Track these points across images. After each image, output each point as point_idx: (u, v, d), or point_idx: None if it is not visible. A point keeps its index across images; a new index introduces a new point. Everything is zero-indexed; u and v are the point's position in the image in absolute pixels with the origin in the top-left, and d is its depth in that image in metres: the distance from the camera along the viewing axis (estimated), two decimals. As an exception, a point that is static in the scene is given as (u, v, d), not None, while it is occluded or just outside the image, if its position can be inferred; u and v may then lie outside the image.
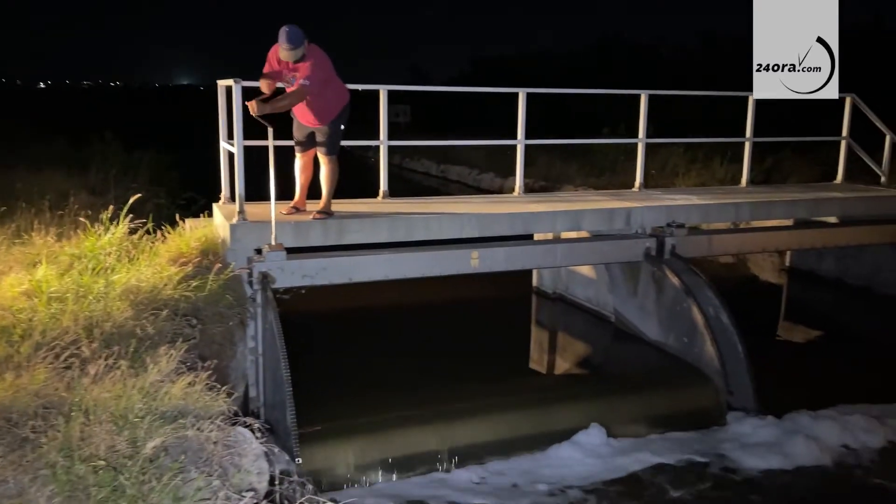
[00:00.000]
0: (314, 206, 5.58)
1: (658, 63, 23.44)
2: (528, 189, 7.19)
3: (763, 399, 5.46)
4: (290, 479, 2.69)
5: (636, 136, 7.20)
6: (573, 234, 6.59)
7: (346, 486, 4.52)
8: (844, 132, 8.19)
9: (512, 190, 7.03)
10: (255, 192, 5.63)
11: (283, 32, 4.98)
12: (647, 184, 7.51)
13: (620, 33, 27.51)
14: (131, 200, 5.65)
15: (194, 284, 4.52)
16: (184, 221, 5.63)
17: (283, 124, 5.57)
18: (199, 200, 8.04)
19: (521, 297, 8.02)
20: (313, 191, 5.68)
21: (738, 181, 8.14)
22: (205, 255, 5.03)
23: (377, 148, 6.42)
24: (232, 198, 5.61)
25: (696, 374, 5.69)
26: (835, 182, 8.51)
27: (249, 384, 5.17)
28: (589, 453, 4.92)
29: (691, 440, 5.12)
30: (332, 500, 4.26)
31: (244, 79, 5.15)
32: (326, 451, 4.66)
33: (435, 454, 4.78)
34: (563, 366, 6.58)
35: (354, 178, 8.20)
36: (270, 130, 5.02)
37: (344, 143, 5.66)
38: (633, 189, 7.42)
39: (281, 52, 5.04)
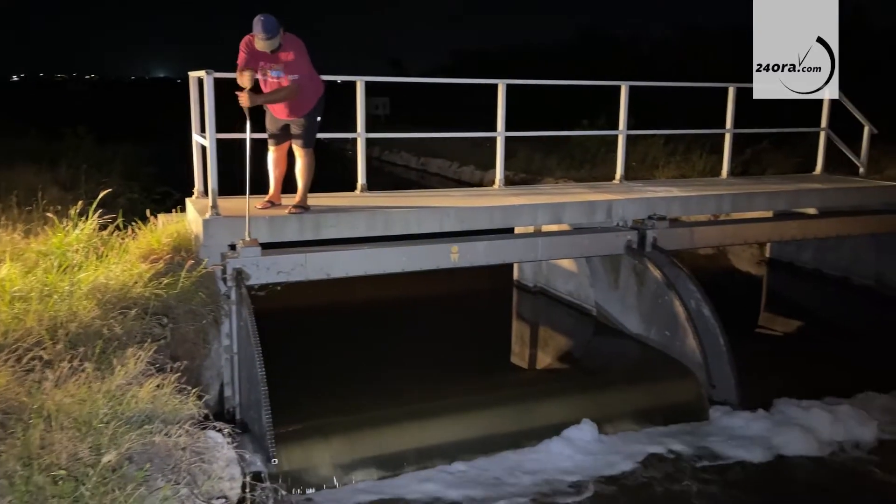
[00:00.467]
0: (290, 200, 5.45)
1: (639, 55, 23.46)
2: (509, 182, 7.13)
3: (745, 392, 5.42)
4: (263, 485, 2.58)
5: (616, 128, 7.14)
6: (554, 227, 6.52)
7: (326, 487, 4.41)
8: (824, 124, 8.19)
9: (492, 183, 6.94)
10: (231, 186, 5.50)
11: (258, 22, 4.81)
12: (627, 176, 7.45)
13: (600, 26, 27.46)
14: (101, 195, 5.49)
15: (166, 282, 4.40)
16: (155, 217, 5.49)
17: (257, 116, 5.43)
18: (175, 195, 7.87)
19: (502, 291, 7.95)
20: (288, 185, 5.55)
21: (718, 173, 8.12)
22: (177, 251, 4.89)
23: (355, 140, 6.29)
24: (206, 192, 5.47)
25: (677, 367, 5.65)
26: (814, 173, 8.53)
27: (225, 384, 5.04)
28: (575, 449, 4.87)
29: (673, 434, 5.07)
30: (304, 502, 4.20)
31: (217, 70, 5.01)
32: (304, 450, 4.54)
33: (415, 452, 4.69)
34: (543, 360, 6.52)
35: (332, 171, 8.08)
36: (248, 123, 4.88)
37: (321, 135, 5.54)
38: (614, 181, 7.36)
39: (257, 42, 4.88)
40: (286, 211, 5.29)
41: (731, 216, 7.59)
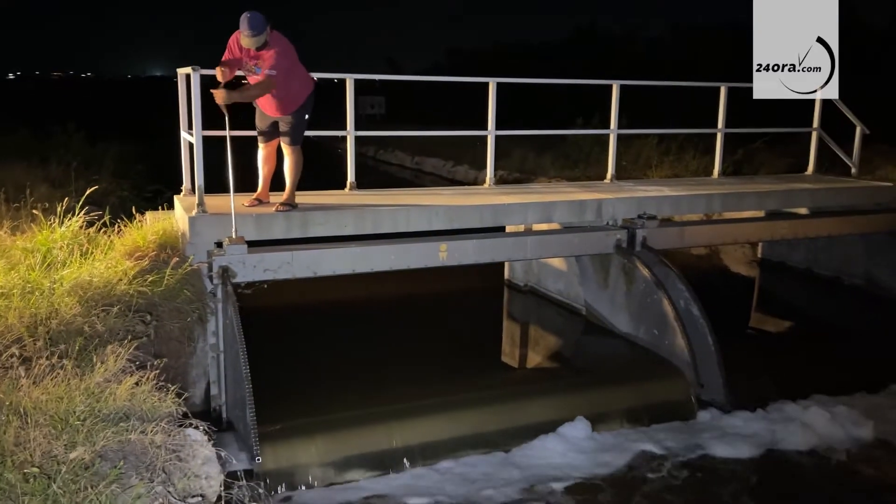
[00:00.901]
0: (278, 197, 5.43)
1: (634, 55, 23.47)
2: (503, 181, 7.15)
3: (734, 391, 5.42)
4: (240, 483, 2.56)
5: (610, 127, 7.14)
6: (545, 226, 6.51)
7: (311, 485, 4.39)
8: (815, 124, 8.19)
9: (485, 182, 6.92)
10: (220, 183, 5.47)
11: (244, 19, 4.80)
12: (619, 175, 7.44)
13: (599, 25, 27.43)
14: (87, 192, 5.47)
15: (150, 279, 4.37)
16: (142, 214, 5.46)
17: (247, 114, 5.41)
18: (167, 193, 7.85)
19: (493, 289, 7.93)
20: (277, 182, 5.53)
21: (711, 172, 8.12)
22: (162, 248, 4.87)
23: (345, 139, 6.26)
24: (193, 189, 5.44)
25: (666, 366, 5.64)
26: (806, 173, 8.53)
27: (211, 382, 5.02)
28: (565, 447, 4.85)
29: (660, 432, 5.06)
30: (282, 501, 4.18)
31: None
32: (290, 449, 4.52)
33: (402, 451, 4.67)
34: (533, 359, 6.50)
35: (322, 169, 8.05)
36: (227, 119, 4.85)
37: (310, 133, 5.52)
38: (605, 180, 7.35)
39: (242, 38, 4.87)
40: (274, 209, 5.27)
41: (723, 216, 7.59)
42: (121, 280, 4.25)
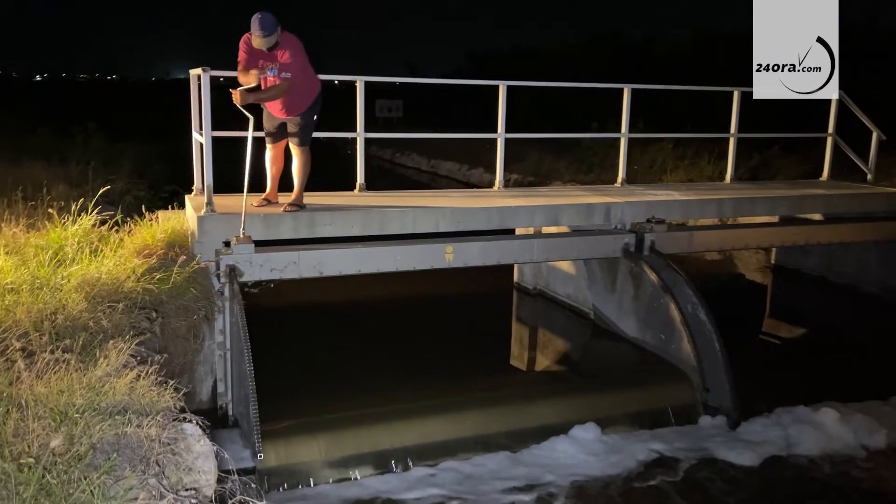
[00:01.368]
0: (286, 198, 5.49)
1: (654, 60, 23.32)
2: (517, 184, 7.15)
3: (741, 397, 5.38)
4: (233, 478, 2.60)
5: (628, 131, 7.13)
6: (553, 230, 6.51)
7: (314, 483, 4.43)
8: (831, 129, 8.11)
9: (495, 185, 6.94)
10: (229, 183, 5.54)
11: (255, 19, 4.87)
12: (634, 180, 7.42)
13: (620, 32, 27.23)
14: (101, 191, 5.57)
15: (158, 277, 4.44)
16: (153, 213, 5.55)
17: (255, 115, 5.48)
18: (183, 193, 7.96)
19: (502, 292, 7.94)
20: (285, 183, 5.59)
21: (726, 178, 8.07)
22: (171, 247, 4.95)
23: (365, 141, 6.29)
24: (203, 189, 5.51)
25: (672, 371, 5.62)
26: (821, 179, 8.44)
27: (218, 380, 5.08)
28: (570, 451, 4.87)
29: (664, 436, 5.05)
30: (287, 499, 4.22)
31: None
32: (295, 446, 4.56)
33: (403, 451, 4.70)
34: (541, 363, 6.50)
35: (335, 170, 8.11)
36: (251, 121, 4.91)
37: (318, 134, 5.57)
38: (616, 184, 7.34)
39: (254, 39, 4.93)
40: (281, 209, 5.33)
41: (737, 221, 7.54)
42: (129, 277, 4.32)
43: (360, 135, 6.19)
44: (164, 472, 2.52)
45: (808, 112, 10.31)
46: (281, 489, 4.34)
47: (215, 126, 5.05)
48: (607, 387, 5.64)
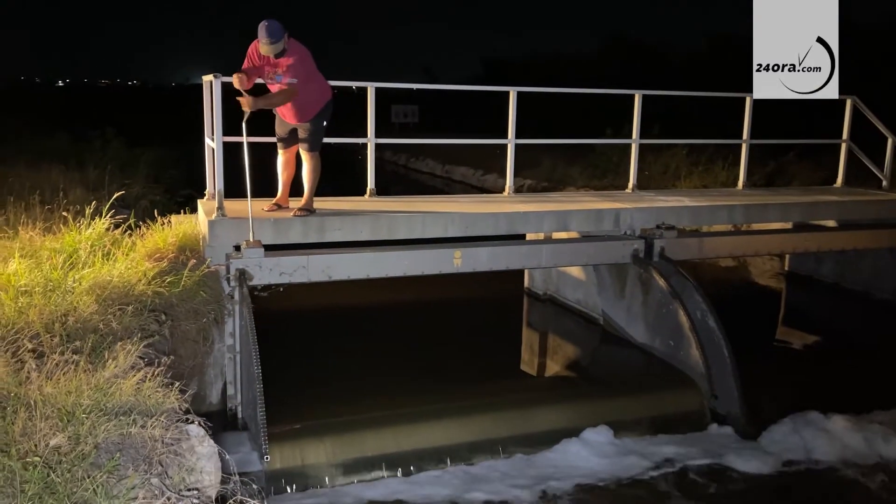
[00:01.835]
0: (297, 203, 5.55)
1: (670, 65, 23.25)
2: (531, 189, 7.16)
3: (750, 404, 5.35)
4: (234, 478, 2.64)
5: (641, 137, 7.13)
6: (563, 235, 6.52)
7: (322, 486, 4.46)
8: (845, 135, 8.06)
9: (514, 190, 6.96)
10: (243, 188, 5.61)
11: (262, 27, 4.95)
12: (647, 185, 7.41)
13: (635, 38, 27.19)
14: (115, 196, 5.67)
15: (168, 280, 4.50)
16: (166, 217, 5.63)
17: (267, 121, 5.55)
18: (197, 197, 8.06)
19: (513, 298, 7.95)
20: (297, 188, 5.65)
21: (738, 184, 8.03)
22: (182, 251, 5.01)
23: (378, 146, 6.34)
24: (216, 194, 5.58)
25: (681, 377, 5.60)
26: (835, 186, 8.38)
27: (227, 382, 5.14)
28: (582, 452, 4.88)
29: (671, 443, 5.04)
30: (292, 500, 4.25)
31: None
32: (303, 449, 4.60)
33: (414, 453, 4.73)
34: (550, 368, 6.50)
35: (345, 175, 8.16)
36: (245, 127, 4.98)
37: (330, 140, 5.63)
38: (626, 190, 7.33)
39: (261, 46, 5.01)
40: (291, 213, 5.38)
41: (750, 227, 7.49)
42: (140, 280, 4.39)
43: (370, 140, 6.25)
44: (166, 473, 2.56)
45: (822, 118, 10.25)
46: (288, 491, 4.38)
47: (228, 131, 5.12)
48: (616, 392, 5.63)
